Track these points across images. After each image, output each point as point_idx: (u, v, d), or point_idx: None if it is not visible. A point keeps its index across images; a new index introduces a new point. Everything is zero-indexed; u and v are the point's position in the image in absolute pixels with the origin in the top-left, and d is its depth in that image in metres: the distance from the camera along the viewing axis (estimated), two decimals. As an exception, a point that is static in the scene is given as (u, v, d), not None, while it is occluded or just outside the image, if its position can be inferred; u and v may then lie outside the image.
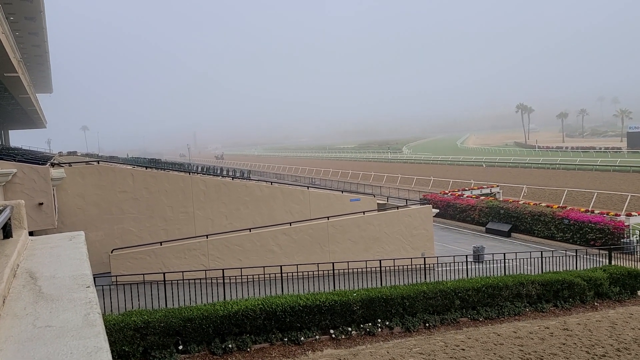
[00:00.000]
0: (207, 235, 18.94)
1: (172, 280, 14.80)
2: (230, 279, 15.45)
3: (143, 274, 15.12)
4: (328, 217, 20.41)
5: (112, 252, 17.91)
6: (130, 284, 14.22)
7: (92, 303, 2.48)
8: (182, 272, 15.50)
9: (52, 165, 18.16)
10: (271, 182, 23.53)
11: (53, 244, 3.98)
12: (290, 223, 19.99)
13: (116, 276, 15.97)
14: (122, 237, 19.47)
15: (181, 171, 24.37)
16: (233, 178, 24.31)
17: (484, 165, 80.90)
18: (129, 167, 22.78)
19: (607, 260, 19.74)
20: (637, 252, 21.40)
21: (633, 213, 25.11)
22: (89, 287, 2.73)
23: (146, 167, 22.77)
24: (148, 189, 19.89)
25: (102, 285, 13.88)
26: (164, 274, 14.75)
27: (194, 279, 15.29)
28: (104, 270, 17.32)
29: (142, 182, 19.87)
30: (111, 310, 13.26)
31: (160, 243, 18.50)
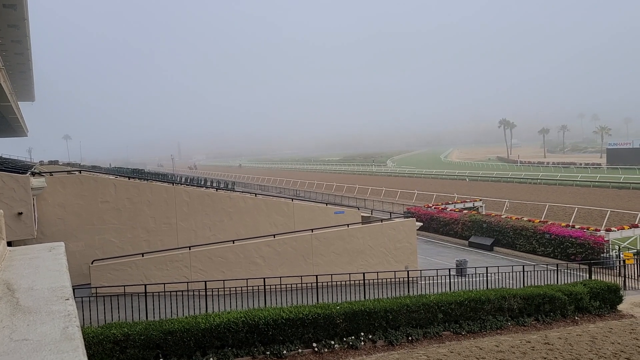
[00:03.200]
0: (189, 247, 18.76)
1: (153, 292, 14.60)
2: (212, 291, 15.30)
3: (124, 286, 14.90)
4: (312, 230, 20.37)
5: (92, 263, 17.64)
6: (111, 295, 13.99)
7: (71, 316, 2.44)
8: (164, 284, 15.31)
9: (33, 174, 17.89)
10: (255, 194, 23.45)
11: (32, 255, 3.91)
12: (274, 235, 19.90)
13: (96, 287, 15.72)
14: (103, 248, 19.20)
15: (164, 182, 24.18)
16: (217, 189, 24.19)
17: (467, 179, 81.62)
18: (111, 177, 22.52)
19: (588, 275, 19.97)
20: (616, 266, 21.71)
21: (612, 228, 25.51)
22: (68, 299, 2.69)
23: (129, 177, 22.55)
24: (130, 199, 19.68)
25: (82, 297, 13.65)
26: (145, 285, 14.55)
27: (176, 291, 15.11)
28: (84, 281, 17.04)
29: (124, 193, 19.65)
30: (90, 323, 13.03)
31: (142, 254, 18.26)
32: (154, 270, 17.96)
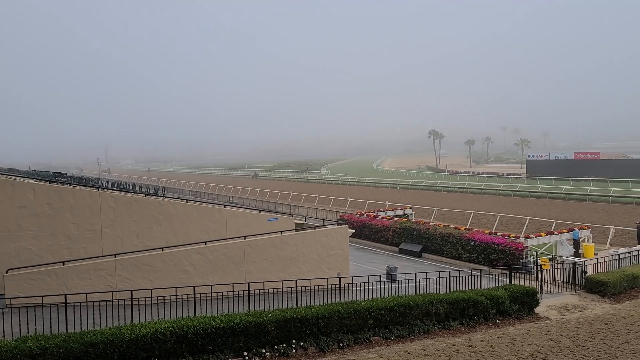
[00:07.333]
0: (115, 255, 17.97)
1: (74, 303, 13.84)
2: (139, 301, 14.73)
3: (41, 296, 14.04)
4: (245, 237, 20.14)
5: (7, 272, 16.48)
6: (27, 306, 13.12)
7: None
8: (86, 293, 14.57)
9: (-60, 176, 16.51)
10: (187, 200, 22.87)
11: None
12: (205, 242, 19.49)
13: (11, 298, 14.69)
14: (19, 257, 17.98)
15: (89, 186, 23.06)
16: (146, 195, 23.39)
17: (398, 187, 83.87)
18: (31, 181, 21.21)
19: (508, 280, 21.02)
20: (534, 271, 23.00)
21: (531, 235, 27.01)
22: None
23: (49, 182, 21.32)
24: (51, 204, 18.59)
25: (-6, 309, 12.73)
26: (65, 295, 13.76)
27: (99, 301, 14.42)
28: (-4, 292, 15.87)
29: (44, 197, 18.53)
30: (4, 336, 12.15)
31: (63, 263, 17.28)
32: (75, 280, 17.06)
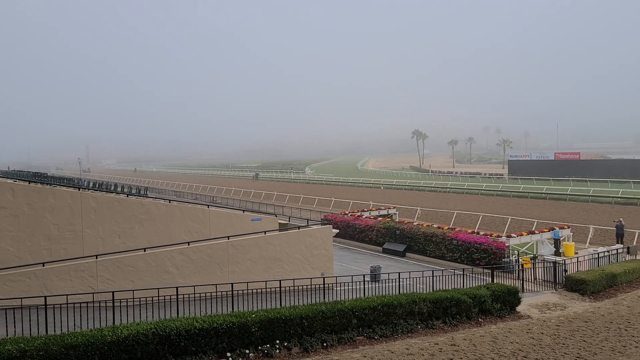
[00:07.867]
0: (96, 256, 17.75)
1: (54, 305, 13.64)
2: (121, 302, 14.58)
3: (21, 298, 13.82)
4: (228, 237, 20.04)
5: (-16, 274, 16.18)
6: (6, 308, 12.90)
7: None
8: (67, 295, 14.36)
9: None
10: (169, 200, 22.68)
11: None
12: (188, 242, 19.35)
13: (-11, 301, 14.42)
14: (-3, 258, 17.65)
15: (70, 187, 22.74)
16: (128, 195, 23.14)
17: (382, 187, 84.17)
18: (9, 181, 20.84)
19: (490, 279, 21.22)
20: (515, 270, 23.25)
21: (512, 235, 27.32)
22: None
23: (29, 182, 20.98)
24: (30, 205, 18.28)
25: (-29, 312, 12.48)
26: (45, 297, 13.56)
27: (80, 303, 14.23)
28: (-27, 294, 15.56)
29: (23, 198, 18.22)
30: (-20, 340, 11.91)
31: (43, 264, 17.02)
32: (56, 281, 16.80)
